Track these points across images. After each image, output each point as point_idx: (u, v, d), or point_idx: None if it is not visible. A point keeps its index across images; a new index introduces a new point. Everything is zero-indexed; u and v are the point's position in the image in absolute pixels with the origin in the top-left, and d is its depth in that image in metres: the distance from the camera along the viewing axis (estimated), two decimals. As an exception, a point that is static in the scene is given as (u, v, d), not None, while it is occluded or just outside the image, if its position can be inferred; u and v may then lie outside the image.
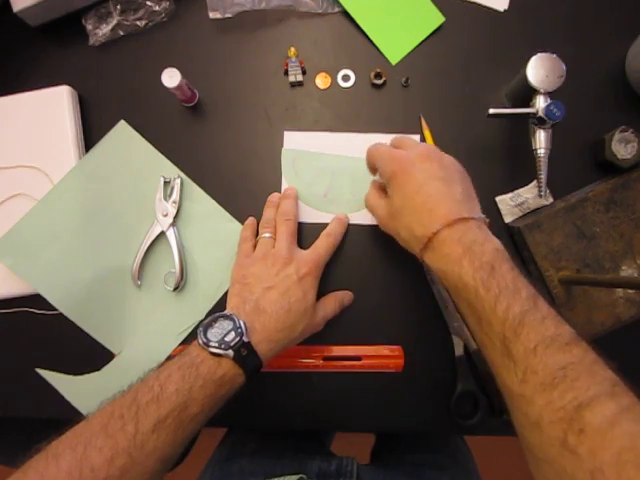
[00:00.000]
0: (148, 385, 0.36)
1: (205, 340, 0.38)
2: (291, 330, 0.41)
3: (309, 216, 0.51)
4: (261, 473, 0.47)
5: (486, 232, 0.36)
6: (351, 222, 0.51)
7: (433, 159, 0.39)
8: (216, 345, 0.37)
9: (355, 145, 0.51)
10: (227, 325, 0.39)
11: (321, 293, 0.49)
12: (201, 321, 0.49)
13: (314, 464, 0.53)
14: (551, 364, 0.29)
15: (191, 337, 0.49)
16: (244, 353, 0.38)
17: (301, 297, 0.42)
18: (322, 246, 0.46)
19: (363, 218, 0.51)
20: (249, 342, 0.38)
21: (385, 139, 0.51)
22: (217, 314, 0.40)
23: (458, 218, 0.36)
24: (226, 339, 0.38)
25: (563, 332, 0.30)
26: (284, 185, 0.51)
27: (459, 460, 0.62)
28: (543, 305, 0.32)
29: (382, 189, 0.44)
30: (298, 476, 0.43)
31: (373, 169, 0.45)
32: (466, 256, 0.34)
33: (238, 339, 0.38)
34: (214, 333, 0.38)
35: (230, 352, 0.37)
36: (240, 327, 0.38)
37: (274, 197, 0.49)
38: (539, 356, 0.29)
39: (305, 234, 0.50)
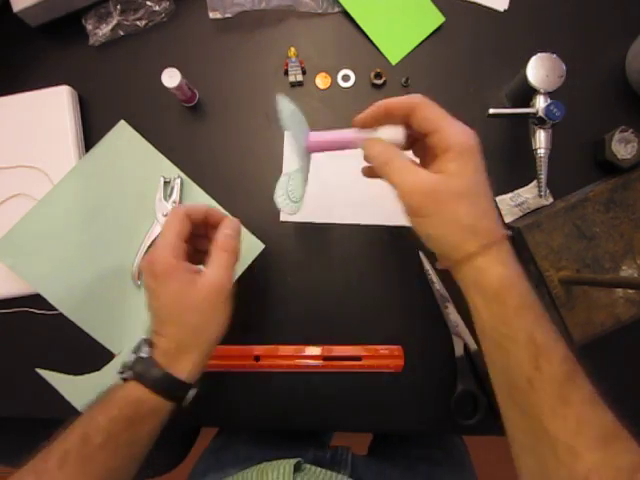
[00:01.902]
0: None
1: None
2: (194, 330, 0.36)
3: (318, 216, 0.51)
4: (257, 458, 0.46)
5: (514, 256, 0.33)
6: (351, 222, 0.51)
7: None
8: (120, 370, 0.37)
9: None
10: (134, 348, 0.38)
11: (320, 293, 0.49)
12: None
13: (309, 452, 0.53)
14: (603, 418, 0.28)
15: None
16: (144, 370, 0.35)
17: (174, 292, 0.36)
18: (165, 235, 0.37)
19: (363, 218, 0.51)
20: (149, 357, 0.36)
21: (385, 139, 0.51)
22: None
23: (503, 234, 0.32)
24: (126, 360, 0.37)
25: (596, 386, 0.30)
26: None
27: (454, 455, 0.62)
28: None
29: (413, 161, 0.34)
30: (296, 459, 0.43)
31: (403, 122, 0.34)
32: (506, 293, 0.31)
33: (134, 357, 0.36)
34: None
35: (130, 373, 0.36)
36: (138, 345, 0.37)
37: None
38: (594, 408, 0.28)
39: (310, 235, 0.50)
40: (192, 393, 0.38)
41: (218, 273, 0.36)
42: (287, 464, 0.41)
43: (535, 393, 0.29)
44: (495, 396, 0.33)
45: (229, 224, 0.39)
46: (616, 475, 0.26)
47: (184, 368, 0.36)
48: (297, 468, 0.43)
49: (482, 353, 0.34)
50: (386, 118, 0.35)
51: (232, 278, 0.37)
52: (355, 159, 0.52)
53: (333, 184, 0.51)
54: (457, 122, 0.33)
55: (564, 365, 0.29)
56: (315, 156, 0.53)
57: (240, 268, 0.50)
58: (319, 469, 0.44)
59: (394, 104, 0.34)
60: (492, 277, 0.31)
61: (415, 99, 0.33)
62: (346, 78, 0.52)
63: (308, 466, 0.44)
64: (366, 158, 0.37)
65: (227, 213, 0.50)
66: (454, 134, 0.32)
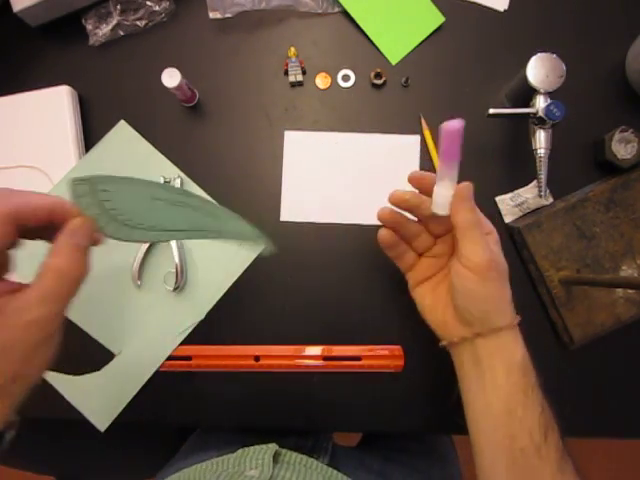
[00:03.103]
0: None
1: None
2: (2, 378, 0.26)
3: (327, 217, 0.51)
4: (238, 442, 0.46)
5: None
6: (350, 222, 0.51)
7: None
8: None
9: (355, 145, 0.51)
10: None
11: (320, 294, 0.49)
12: (202, 321, 0.49)
13: (291, 439, 0.53)
14: None
15: (191, 337, 0.49)
16: None
17: None
18: None
19: (363, 218, 0.51)
20: None
21: (385, 139, 0.51)
22: None
23: (518, 322, 0.37)
24: None
25: None
26: (284, 180, 0.51)
27: (437, 448, 0.62)
28: None
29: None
30: (273, 447, 0.42)
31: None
32: (528, 369, 0.35)
33: None
34: None
35: None
36: None
37: None
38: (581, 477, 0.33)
39: (311, 235, 0.50)
40: (8, 437, 0.31)
41: (42, 304, 0.26)
42: (265, 453, 0.41)
43: (541, 460, 0.32)
44: (480, 461, 0.36)
45: (81, 229, 0.28)
46: None
47: None
48: (275, 457, 0.42)
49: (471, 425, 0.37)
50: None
51: (62, 314, 0.28)
52: (355, 159, 0.52)
53: (333, 184, 0.51)
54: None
55: (562, 440, 0.33)
56: (315, 156, 0.53)
57: (240, 268, 0.50)
58: (297, 455, 0.44)
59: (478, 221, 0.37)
60: (519, 351, 0.35)
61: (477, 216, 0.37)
62: (346, 78, 0.52)
63: (284, 451, 0.44)
64: (453, 218, 0.36)
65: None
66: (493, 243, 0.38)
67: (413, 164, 0.51)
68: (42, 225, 0.28)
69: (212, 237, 0.32)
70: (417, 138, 0.51)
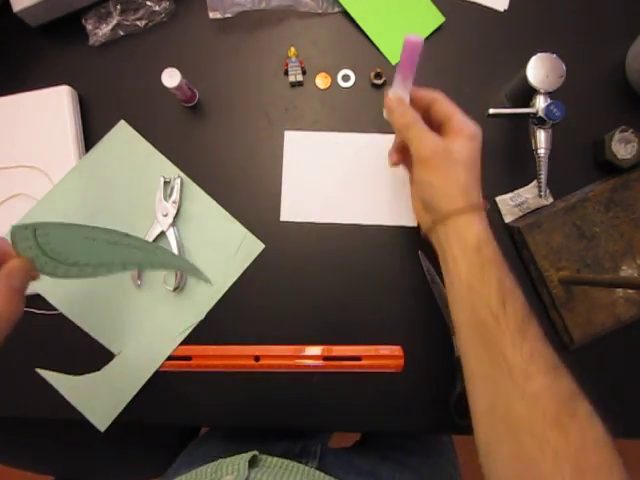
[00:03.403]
0: None
1: None
2: None
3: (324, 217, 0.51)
4: (223, 454, 0.46)
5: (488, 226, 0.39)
6: (350, 222, 0.51)
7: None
8: None
9: (355, 145, 0.51)
10: None
11: (320, 293, 0.49)
12: (201, 321, 0.49)
13: (279, 446, 0.53)
14: (552, 355, 0.33)
15: (191, 337, 0.49)
16: None
17: None
18: None
19: (362, 218, 0.51)
20: None
21: (385, 139, 0.51)
22: None
23: (485, 203, 0.39)
24: None
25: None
26: (284, 180, 0.51)
27: (435, 445, 0.62)
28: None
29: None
30: (251, 453, 0.42)
31: (424, 109, 0.41)
32: (483, 246, 0.37)
33: None
34: None
35: None
36: None
37: None
38: (545, 345, 0.33)
39: (311, 235, 0.50)
40: None
41: None
42: (242, 459, 0.41)
43: (499, 326, 0.34)
44: (456, 334, 0.39)
45: (17, 271, 0.31)
46: (559, 397, 0.31)
47: None
48: (254, 462, 0.42)
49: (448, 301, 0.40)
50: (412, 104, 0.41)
51: None
52: (355, 159, 0.52)
53: (333, 184, 0.51)
54: (466, 116, 0.40)
55: (524, 308, 0.35)
56: (315, 156, 0.53)
57: (240, 268, 0.50)
58: (277, 459, 0.44)
59: (420, 94, 0.41)
60: (474, 231, 0.37)
61: (435, 94, 0.41)
62: (346, 78, 0.52)
63: (264, 457, 0.44)
64: (389, 113, 0.42)
65: (232, 218, 0.50)
66: (464, 122, 0.39)
67: (413, 164, 0.51)
68: None
69: (151, 269, 0.37)
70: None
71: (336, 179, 0.51)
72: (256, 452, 0.43)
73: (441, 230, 0.39)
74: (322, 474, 0.43)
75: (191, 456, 0.56)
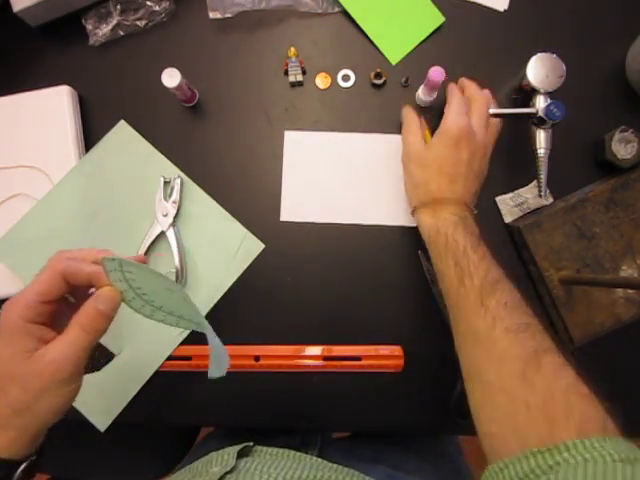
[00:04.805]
0: None
1: None
2: (14, 405, 0.31)
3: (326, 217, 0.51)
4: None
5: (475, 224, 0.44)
6: (350, 222, 0.51)
7: (480, 140, 0.45)
8: None
9: (355, 145, 0.51)
10: None
11: (320, 293, 0.49)
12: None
13: (280, 439, 0.53)
14: (516, 318, 0.36)
15: (191, 337, 0.49)
16: None
17: None
18: None
19: (362, 218, 0.51)
20: None
21: (385, 139, 0.51)
22: None
23: (467, 202, 0.44)
24: None
25: (524, 302, 0.38)
26: (284, 180, 0.51)
27: (434, 442, 0.62)
28: (508, 280, 0.40)
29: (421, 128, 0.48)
30: (243, 444, 0.42)
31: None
32: (460, 224, 0.42)
33: None
34: None
35: None
36: None
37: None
38: (508, 310, 0.36)
39: (310, 235, 0.50)
40: (20, 470, 0.32)
41: (62, 352, 0.31)
42: (232, 450, 0.41)
43: (462, 301, 0.39)
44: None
45: (105, 297, 0.33)
46: (522, 354, 0.34)
47: None
48: (245, 453, 0.42)
49: (452, 300, 0.42)
50: None
51: (80, 361, 0.32)
52: (355, 159, 0.52)
53: (333, 184, 0.51)
54: (456, 110, 0.44)
55: (484, 282, 0.38)
56: (315, 156, 0.53)
57: (240, 268, 0.50)
58: (273, 449, 0.44)
59: (455, 85, 0.47)
60: (424, 227, 0.44)
61: (458, 86, 0.46)
62: (346, 78, 0.52)
63: (260, 448, 0.44)
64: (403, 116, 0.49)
65: (232, 218, 0.50)
66: (445, 119, 0.44)
67: (413, 164, 0.51)
68: (85, 285, 0.33)
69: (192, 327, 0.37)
70: (417, 138, 0.51)
71: (336, 179, 0.51)
72: (250, 443, 0.43)
73: (415, 217, 0.46)
74: (320, 460, 0.42)
75: (193, 455, 0.56)
